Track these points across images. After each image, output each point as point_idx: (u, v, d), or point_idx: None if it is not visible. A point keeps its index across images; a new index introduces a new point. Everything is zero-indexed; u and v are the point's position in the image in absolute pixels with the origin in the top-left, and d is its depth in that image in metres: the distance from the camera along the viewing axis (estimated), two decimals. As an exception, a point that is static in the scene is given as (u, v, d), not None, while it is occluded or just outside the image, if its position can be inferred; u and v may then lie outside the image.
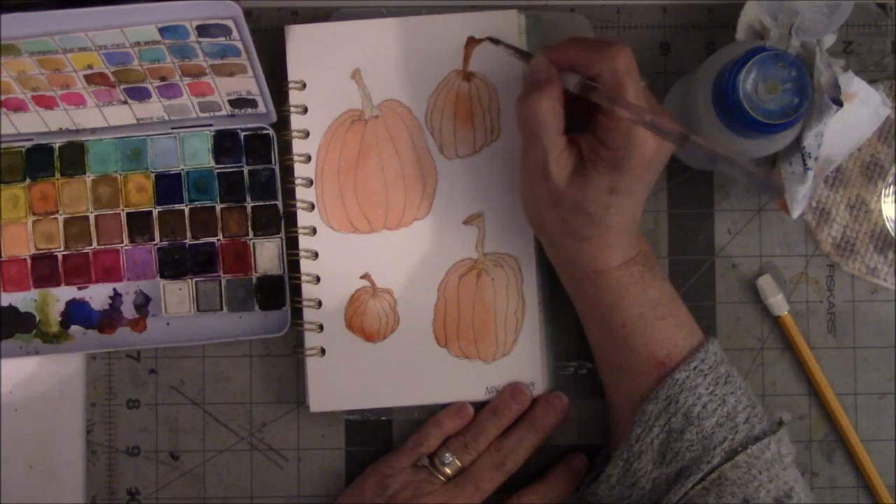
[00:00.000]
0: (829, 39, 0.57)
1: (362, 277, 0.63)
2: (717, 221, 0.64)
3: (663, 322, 0.57)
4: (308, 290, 0.63)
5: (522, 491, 0.61)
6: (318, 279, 0.63)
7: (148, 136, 0.63)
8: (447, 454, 0.61)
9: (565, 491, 0.62)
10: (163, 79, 0.60)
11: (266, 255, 0.63)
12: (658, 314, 0.57)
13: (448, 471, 0.60)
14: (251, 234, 0.63)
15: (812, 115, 0.55)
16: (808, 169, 0.56)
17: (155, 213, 0.63)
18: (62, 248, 0.63)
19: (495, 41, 0.60)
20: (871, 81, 0.63)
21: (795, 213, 0.58)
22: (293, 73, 0.63)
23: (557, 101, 0.54)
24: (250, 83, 0.61)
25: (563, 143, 0.54)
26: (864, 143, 0.60)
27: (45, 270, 0.63)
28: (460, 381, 0.62)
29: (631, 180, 0.54)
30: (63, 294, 0.64)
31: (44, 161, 0.63)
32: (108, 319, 0.63)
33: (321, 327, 0.63)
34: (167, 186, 0.63)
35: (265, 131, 0.63)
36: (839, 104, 0.54)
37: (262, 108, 0.62)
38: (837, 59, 0.57)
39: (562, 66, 0.55)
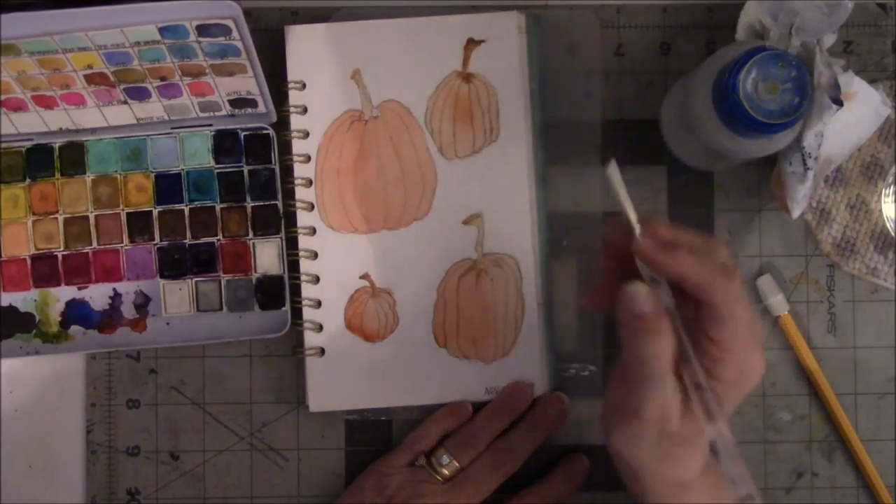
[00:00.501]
0: (830, 39, 0.57)
1: (362, 277, 0.63)
2: (717, 221, 0.64)
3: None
4: (308, 290, 0.63)
5: (522, 491, 0.61)
6: (317, 279, 0.63)
7: (148, 136, 0.63)
8: (445, 455, 0.60)
9: (566, 492, 0.62)
10: (163, 79, 0.60)
11: (266, 255, 0.63)
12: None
13: (446, 472, 0.60)
14: (251, 234, 0.63)
15: (812, 115, 0.55)
16: (808, 169, 0.56)
17: (155, 212, 0.63)
18: (62, 248, 0.63)
19: (616, 183, 0.49)
20: (871, 81, 0.63)
21: (796, 213, 0.58)
22: (293, 73, 0.63)
23: (669, 334, 0.47)
24: (250, 83, 0.61)
25: (677, 388, 0.47)
26: (864, 142, 0.60)
27: (45, 270, 0.63)
28: (460, 382, 0.62)
29: (733, 407, 0.49)
30: (63, 294, 0.64)
31: (44, 161, 0.63)
32: (108, 319, 0.64)
33: (321, 327, 0.63)
34: (167, 186, 0.63)
35: (265, 131, 0.63)
36: (839, 104, 0.54)
37: (262, 108, 0.62)
38: (837, 59, 0.57)
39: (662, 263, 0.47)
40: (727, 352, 0.47)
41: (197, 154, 0.63)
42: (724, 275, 0.46)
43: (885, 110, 0.59)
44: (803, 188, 0.57)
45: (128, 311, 0.64)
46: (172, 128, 0.63)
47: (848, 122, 0.58)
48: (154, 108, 0.62)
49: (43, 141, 0.63)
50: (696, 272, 0.46)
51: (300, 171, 0.63)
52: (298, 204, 0.63)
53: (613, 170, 0.48)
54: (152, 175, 0.64)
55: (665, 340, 0.46)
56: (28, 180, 0.64)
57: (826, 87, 0.54)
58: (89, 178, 0.64)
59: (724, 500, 0.50)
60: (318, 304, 0.63)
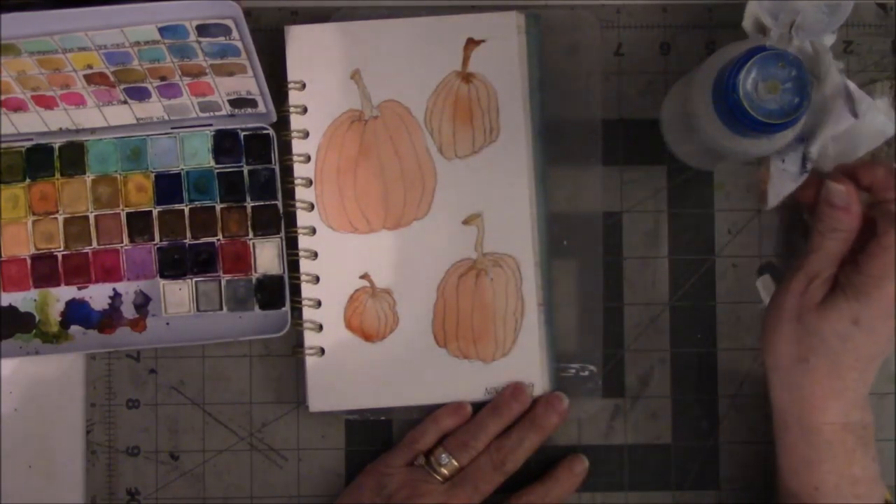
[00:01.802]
0: (829, 39, 0.56)
1: (362, 277, 0.63)
2: (717, 221, 0.64)
3: (857, 502, 0.55)
4: (308, 289, 0.63)
5: (522, 491, 0.61)
6: (317, 279, 0.63)
7: (148, 135, 0.63)
8: (444, 455, 0.60)
9: (566, 492, 0.62)
10: (163, 78, 0.60)
11: (266, 255, 0.63)
12: (855, 492, 0.54)
13: (445, 471, 0.60)
14: (251, 234, 0.63)
15: (827, 123, 0.55)
16: (805, 171, 0.56)
17: (155, 212, 0.63)
18: (62, 248, 0.63)
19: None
20: (871, 81, 0.63)
21: (771, 206, 0.58)
22: (293, 74, 0.63)
23: (851, 235, 0.54)
24: (250, 83, 0.61)
25: (833, 270, 0.54)
26: (858, 156, 0.60)
27: (44, 270, 0.63)
28: (459, 382, 0.62)
29: (876, 314, 0.53)
30: (63, 294, 0.64)
31: (44, 161, 0.63)
32: (107, 319, 0.64)
33: (321, 327, 0.63)
34: (167, 186, 0.63)
35: (265, 131, 0.63)
36: (856, 116, 0.54)
37: (262, 108, 0.62)
38: (838, 62, 0.56)
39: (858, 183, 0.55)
40: (883, 248, 0.52)
41: (197, 154, 0.63)
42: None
43: (889, 128, 0.59)
44: (792, 187, 0.57)
45: (128, 311, 0.64)
46: (172, 128, 0.63)
47: (854, 131, 0.58)
48: (154, 108, 0.62)
49: (43, 141, 0.63)
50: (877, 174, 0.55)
51: (300, 171, 0.63)
52: (298, 204, 0.63)
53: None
54: (152, 175, 0.64)
55: (848, 231, 0.54)
56: (28, 180, 0.64)
57: (843, 98, 0.54)
58: (89, 178, 0.64)
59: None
60: (318, 304, 0.63)
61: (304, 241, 0.63)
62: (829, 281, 0.54)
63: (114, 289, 0.64)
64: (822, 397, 0.54)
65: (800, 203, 0.58)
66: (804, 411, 0.54)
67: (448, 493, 0.59)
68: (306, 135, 0.63)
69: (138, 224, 0.63)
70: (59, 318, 0.64)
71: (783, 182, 0.57)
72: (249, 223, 0.63)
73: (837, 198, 0.54)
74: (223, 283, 0.63)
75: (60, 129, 0.63)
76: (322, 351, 0.62)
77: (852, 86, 0.57)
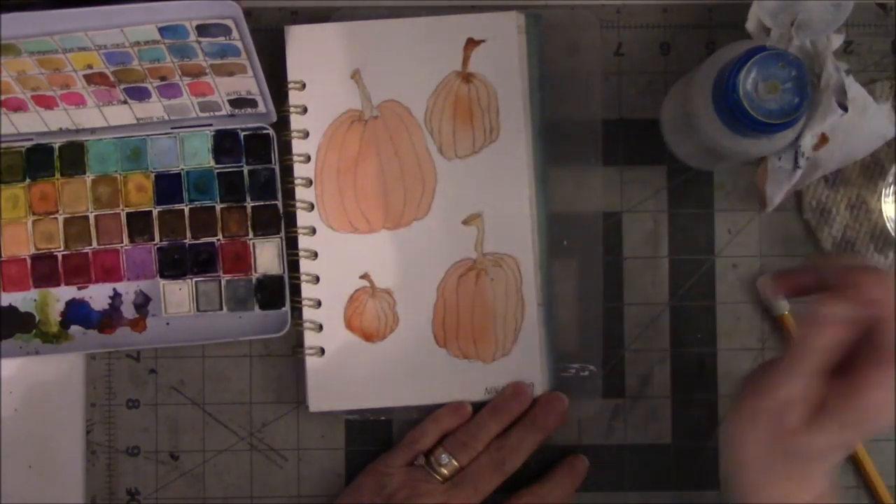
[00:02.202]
0: (837, 40, 0.56)
1: (362, 277, 0.63)
2: (717, 221, 0.64)
3: None
4: (308, 289, 0.63)
5: (522, 492, 0.61)
6: (317, 279, 0.63)
7: (148, 135, 0.63)
8: (444, 455, 0.60)
9: (566, 493, 0.62)
10: (163, 78, 0.60)
11: (266, 255, 0.63)
12: None
13: (445, 471, 0.60)
14: (251, 234, 0.63)
15: (815, 117, 0.55)
16: (797, 167, 0.56)
17: (155, 212, 0.63)
18: (62, 248, 0.63)
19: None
20: (871, 81, 0.63)
21: (770, 207, 0.58)
22: (293, 74, 0.63)
23: (838, 343, 0.48)
24: (250, 83, 0.61)
25: (818, 387, 0.48)
26: (858, 158, 0.60)
27: (44, 270, 0.63)
28: (459, 382, 0.62)
29: (867, 435, 0.49)
30: (63, 294, 0.64)
31: (44, 161, 0.63)
32: (107, 319, 0.64)
33: (320, 327, 0.63)
34: (167, 186, 0.63)
35: (265, 131, 0.63)
36: (844, 109, 0.54)
37: (262, 108, 0.62)
38: (842, 63, 0.56)
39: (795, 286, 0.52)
40: (865, 383, 0.47)
41: (197, 154, 0.63)
42: (876, 279, 0.48)
43: (889, 129, 0.59)
44: (788, 185, 0.57)
45: (128, 311, 0.64)
46: (172, 128, 0.63)
47: (841, 129, 0.58)
48: (154, 108, 0.62)
49: (43, 141, 0.63)
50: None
51: (300, 171, 0.63)
52: (298, 204, 0.63)
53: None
54: (152, 175, 0.64)
55: (829, 337, 0.48)
56: (28, 180, 0.64)
57: (833, 91, 0.54)
58: (89, 178, 0.64)
59: None
60: (318, 304, 0.63)
61: (304, 241, 0.63)
62: (814, 405, 0.48)
63: (114, 289, 0.64)
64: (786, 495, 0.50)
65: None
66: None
67: (448, 493, 0.59)
68: (306, 135, 0.63)
69: (138, 224, 0.63)
70: (59, 318, 0.64)
71: (779, 180, 0.57)
72: (249, 223, 0.63)
73: (823, 312, 0.48)
74: (223, 283, 0.63)
75: (60, 129, 0.63)
76: (322, 351, 0.62)
77: (855, 86, 0.57)
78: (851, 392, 0.48)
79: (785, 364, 0.49)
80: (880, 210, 0.63)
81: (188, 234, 0.63)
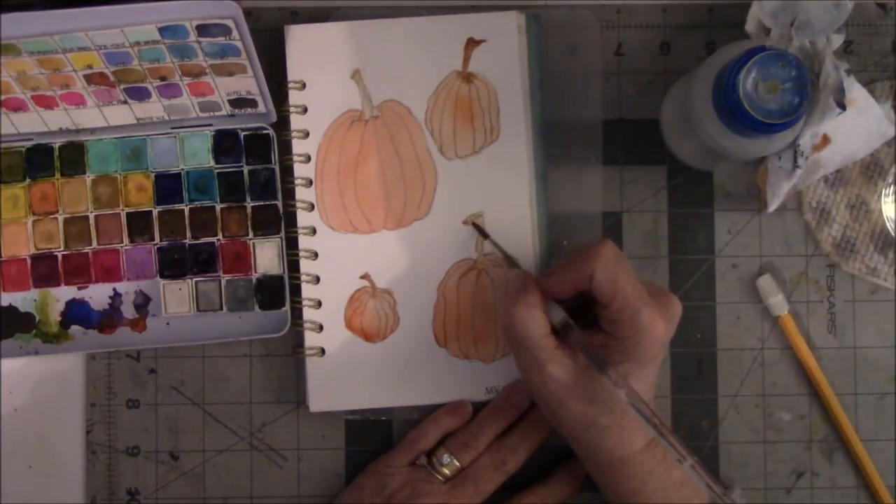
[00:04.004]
0: (837, 40, 0.56)
1: (362, 277, 0.63)
2: (717, 221, 0.64)
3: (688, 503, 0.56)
4: (308, 290, 0.63)
5: (523, 492, 0.61)
6: (317, 279, 0.63)
7: (148, 135, 0.63)
8: (445, 455, 0.60)
9: (566, 493, 0.62)
10: (163, 78, 0.60)
11: (266, 255, 0.63)
12: (682, 496, 0.56)
13: (446, 471, 0.60)
14: (251, 234, 0.63)
15: (814, 115, 0.55)
16: (797, 167, 0.56)
17: (155, 212, 0.63)
18: (62, 248, 0.63)
19: (484, 234, 0.61)
20: (871, 81, 0.63)
21: (772, 208, 0.58)
22: (293, 73, 0.63)
23: (535, 307, 0.55)
24: (250, 83, 0.61)
25: (552, 343, 0.55)
26: (859, 158, 0.60)
27: (44, 270, 0.63)
28: (460, 382, 0.62)
29: (644, 364, 0.54)
30: (63, 294, 0.64)
31: (44, 161, 0.63)
32: (107, 319, 0.63)
33: (321, 327, 0.63)
34: (167, 186, 0.63)
35: (265, 131, 0.63)
36: (843, 108, 0.54)
37: (262, 108, 0.62)
38: (843, 63, 0.57)
39: (556, 293, 0.56)
40: (616, 312, 0.53)
41: (197, 154, 0.63)
42: (586, 258, 0.54)
43: (889, 129, 0.59)
44: (787, 185, 0.57)
45: (128, 311, 0.64)
46: (172, 128, 0.63)
47: (842, 129, 0.58)
48: (154, 108, 0.62)
49: (43, 141, 0.63)
50: (561, 275, 0.55)
51: (300, 171, 0.63)
52: (298, 204, 0.63)
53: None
54: (152, 175, 0.64)
55: (529, 307, 0.55)
56: (28, 180, 0.64)
57: (832, 90, 0.54)
58: (89, 178, 0.64)
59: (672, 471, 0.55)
60: (318, 304, 0.63)
61: (304, 241, 0.63)
62: (564, 356, 0.55)
63: (114, 289, 0.64)
64: (621, 440, 0.55)
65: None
66: (612, 453, 0.55)
67: (449, 494, 0.59)
68: (306, 135, 0.63)
69: (138, 224, 0.63)
70: (59, 318, 0.64)
71: (779, 180, 0.57)
72: (249, 223, 0.63)
73: (515, 280, 0.57)
74: (223, 283, 0.63)
75: (60, 129, 0.63)
76: (322, 351, 0.62)
77: (855, 86, 0.58)
78: (611, 332, 0.54)
79: (513, 344, 0.56)
80: (880, 210, 0.63)
81: (188, 234, 0.63)
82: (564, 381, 0.54)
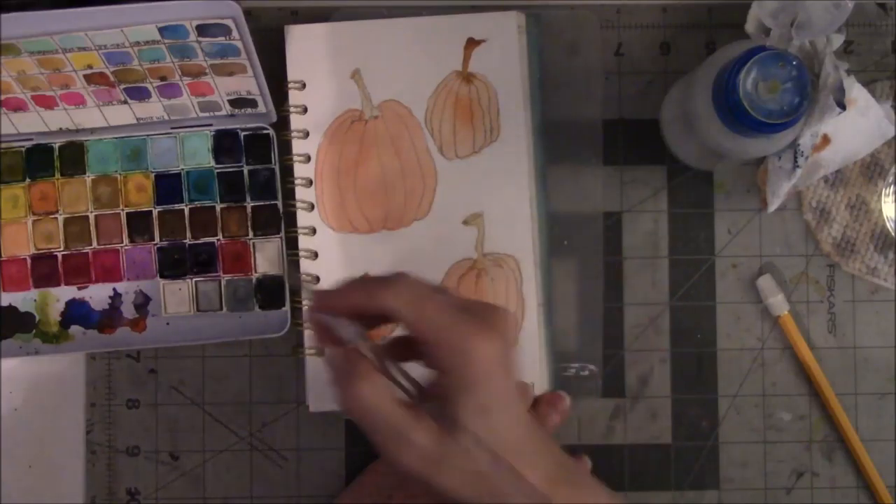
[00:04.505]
0: (837, 40, 0.56)
1: (362, 277, 0.63)
2: (717, 221, 0.64)
3: None
4: (308, 289, 0.63)
5: None
6: (317, 279, 0.63)
7: (148, 135, 0.63)
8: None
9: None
10: (163, 78, 0.60)
11: (266, 255, 0.63)
12: None
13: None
14: (251, 234, 0.63)
15: (813, 115, 0.55)
16: (797, 167, 0.56)
17: (155, 213, 0.63)
18: (62, 248, 0.63)
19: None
20: (871, 81, 0.63)
21: (772, 208, 0.58)
22: (293, 73, 0.63)
23: (375, 374, 0.46)
24: (250, 83, 0.61)
25: (408, 411, 0.46)
26: (859, 157, 0.60)
27: (44, 270, 0.63)
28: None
29: (485, 389, 0.46)
30: (63, 294, 0.64)
31: (44, 161, 0.63)
32: (107, 319, 0.63)
33: (321, 327, 0.62)
34: (167, 186, 0.63)
35: (265, 131, 0.63)
36: (842, 107, 0.54)
37: (262, 108, 0.62)
38: (843, 63, 0.57)
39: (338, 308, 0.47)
40: (431, 344, 0.46)
41: (197, 154, 0.63)
42: (384, 286, 0.47)
43: (889, 129, 0.59)
44: (787, 185, 0.57)
45: (128, 311, 0.64)
46: (172, 128, 0.63)
47: (842, 129, 0.58)
48: (154, 108, 0.62)
49: (43, 141, 0.63)
50: (355, 296, 0.47)
51: (300, 171, 0.63)
52: (298, 204, 0.63)
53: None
54: (152, 175, 0.64)
55: (369, 381, 0.46)
56: (28, 180, 0.64)
57: (831, 90, 0.54)
58: (89, 178, 0.64)
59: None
60: (318, 304, 0.63)
61: (304, 241, 0.63)
62: (425, 417, 0.46)
63: (114, 289, 0.64)
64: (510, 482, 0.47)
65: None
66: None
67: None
68: (306, 135, 0.63)
69: (138, 224, 0.63)
70: (59, 318, 0.64)
71: (779, 180, 0.57)
72: (249, 223, 0.63)
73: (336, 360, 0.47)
74: (223, 283, 0.63)
75: (60, 129, 0.63)
76: (322, 351, 0.62)
77: (855, 86, 0.58)
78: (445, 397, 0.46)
79: (367, 429, 0.47)
80: (880, 210, 0.63)
81: (188, 234, 0.63)
82: (435, 446, 0.46)
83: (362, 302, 0.47)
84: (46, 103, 0.61)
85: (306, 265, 0.63)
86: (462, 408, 0.45)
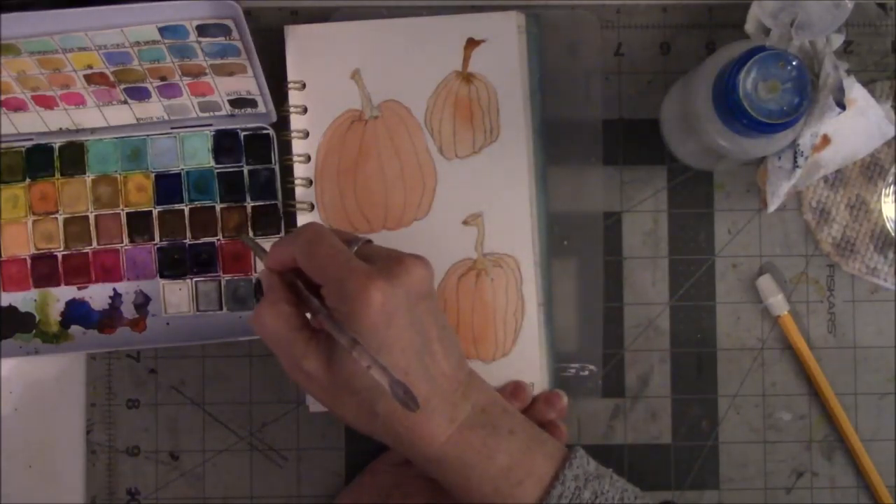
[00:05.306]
0: (837, 40, 0.56)
1: (362, 277, 0.63)
2: (717, 221, 0.64)
3: (521, 488, 0.52)
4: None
5: None
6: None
7: (148, 136, 0.63)
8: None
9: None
10: (163, 79, 0.60)
11: (266, 255, 0.63)
12: (514, 480, 0.52)
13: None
14: (251, 234, 0.63)
15: (813, 115, 0.55)
16: (797, 167, 0.56)
17: (155, 212, 0.63)
18: (62, 248, 0.63)
19: (249, 242, 0.59)
20: (871, 81, 0.63)
21: (772, 207, 0.58)
22: (293, 73, 0.63)
23: (280, 302, 0.51)
24: (250, 83, 0.61)
25: (304, 336, 0.51)
26: (859, 157, 0.60)
27: (44, 270, 0.63)
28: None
29: (378, 336, 0.49)
30: (63, 294, 0.64)
31: (44, 161, 0.63)
32: (107, 319, 0.63)
33: (321, 327, 0.63)
34: (167, 186, 0.63)
35: (265, 131, 0.63)
36: (842, 107, 0.54)
37: (262, 108, 0.62)
38: (843, 63, 0.57)
39: (284, 267, 0.52)
40: (325, 287, 0.50)
41: (197, 154, 0.63)
42: (293, 239, 0.51)
43: (889, 129, 0.59)
44: (787, 184, 0.57)
45: (128, 311, 0.64)
46: (172, 128, 0.63)
47: (843, 129, 0.58)
48: (154, 108, 0.62)
49: (43, 141, 0.63)
50: (280, 251, 0.52)
51: (300, 171, 0.63)
52: (298, 204, 0.63)
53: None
54: (152, 175, 0.64)
55: (272, 304, 0.51)
56: (28, 180, 0.64)
57: (831, 90, 0.54)
58: (89, 178, 0.64)
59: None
60: (318, 304, 0.63)
61: (304, 241, 0.63)
62: (318, 348, 0.51)
63: (114, 289, 0.64)
64: (417, 430, 0.51)
65: None
66: (418, 451, 0.51)
67: (446, 492, 0.59)
68: (306, 135, 0.63)
69: (138, 224, 0.63)
70: (59, 318, 0.64)
71: (779, 180, 0.57)
72: (249, 223, 0.63)
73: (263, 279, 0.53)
74: (223, 283, 0.63)
75: (60, 129, 0.63)
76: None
77: (855, 86, 0.58)
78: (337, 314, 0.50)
79: (270, 347, 0.53)
80: (880, 210, 0.63)
81: (188, 234, 0.63)
82: (319, 373, 0.50)
83: (281, 257, 0.51)
84: (46, 103, 0.61)
85: (306, 265, 0.63)
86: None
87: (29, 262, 0.63)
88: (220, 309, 0.63)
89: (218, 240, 0.63)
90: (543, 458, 0.53)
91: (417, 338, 0.50)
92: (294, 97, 0.63)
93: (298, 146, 0.63)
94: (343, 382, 0.50)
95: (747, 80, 0.51)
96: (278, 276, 0.52)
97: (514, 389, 0.62)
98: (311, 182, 0.63)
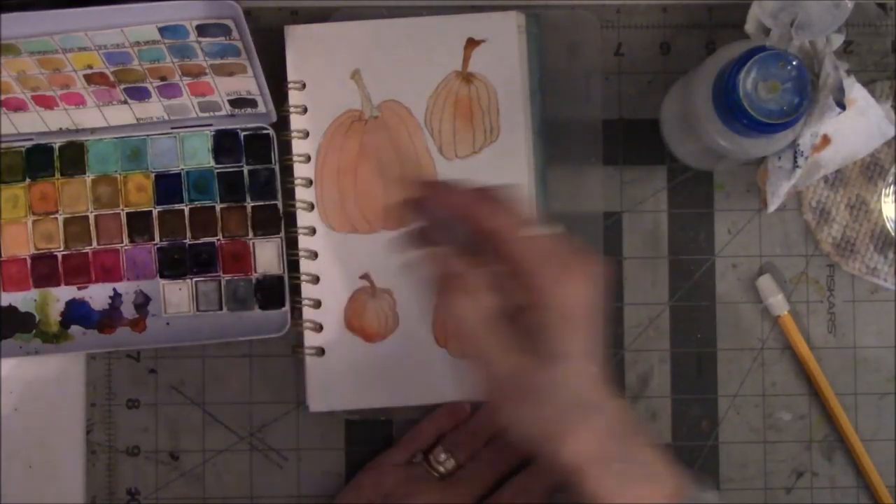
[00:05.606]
0: (837, 40, 0.56)
1: (362, 277, 0.63)
2: (717, 221, 0.64)
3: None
4: (307, 289, 0.63)
5: (504, 485, 0.60)
6: (317, 279, 0.63)
7: (148, 136, 0.63)
8: (443, 454, 0.60)
9: (551, 483, 0.61)
10: (163, 79, 0.60)
11: (266, 255, 0.63)
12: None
13: (443, 469, 0.60)
14: (251, 234, 0.63)
15: (813, 115, 0.55)
16: (797, 167, 0.56)
17: (155, 213, 0.63)
18: (62, 248, 0.63)
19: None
20: (871, 81, 0.63)
21: (772, 207, 0.58)
22: (293, 73, 0.63)
23: (478, 296, 0.46)
24: (250, 83, 0.61)
25: (498, 340, 0.46)
26: (859, 157, 0.60)
27: (44, 270, 0.63)
28: (459, 382, 0.62)
29: (590, 335, 0.46)
30: (63, 294, 0.64)
31: (44, 161, 0.63)
32: (107, 319, 0.63)
33: (320, 327, 0.63)
34: (167, 186, 0.63)
35: (265, 131, 0.63)
36: (842, 107, 0.54)
37: (262, 108, 0.62)
38: (843, 63, 0.57)
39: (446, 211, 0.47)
40: (527, 278, 0.46)
41: (197, 154, 0.63)
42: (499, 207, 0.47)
43: (889, 129, 0.59)
44: (787, 184, 0.57)
45: (128, 311, 0.64)
46: (172, 128, 0.63)
47: (843, 129, 0.58)
48: (154, 108, 0.62)
49: (43, 141, 0.63)
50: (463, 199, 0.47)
51: (300, 171, 0.63)
52: (298, 204, 0.63)
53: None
54: (152, 175, 0.64)
55: (476, 297, 0.46)
56: (28, 180, 0.64)
57: (831, 90, 0.54)
58: (89, 178, 0.64)
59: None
60: (318, 304, 0.63)
61: (304, 241, 0.63)
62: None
63: (114, 289, 0.64)
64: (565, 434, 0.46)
65: None
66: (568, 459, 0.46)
67: (445, 492, 0.59)
68: (306, 135, 0.63)
69: (138, 224, 0.63)
70: (59, 318, 0.64)
71: (779, 180, 0.57)
72: (249, 223, 0.63)
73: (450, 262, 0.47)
74: (223, 283, 0.63)
75: (60, 129, 0.63)
76: (322, 351, 0.62)
77: (855, 86, 0.58)
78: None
79: (468, 351, 0.47)
80: (880, 210, 0.63)
81: (188, 234, 0.63)
82: (516, 379, 0.46)
83: (474, 212, 0.46)
84: (46, 103, 0.61)
85: (306, 265, 0.63)
86: (562, 344, 0.45)
87: (29, 262, 0.63)
88: (220, 309, 0.63)
89: (218, 240, 0.63)
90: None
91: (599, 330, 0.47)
92: (294, 97, 0.63)
93: (298, 146, 0.63)
94: (540, 389, 0.46)
95: (747, 80, 0.51)
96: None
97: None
98: (311, 182, 0.63)
